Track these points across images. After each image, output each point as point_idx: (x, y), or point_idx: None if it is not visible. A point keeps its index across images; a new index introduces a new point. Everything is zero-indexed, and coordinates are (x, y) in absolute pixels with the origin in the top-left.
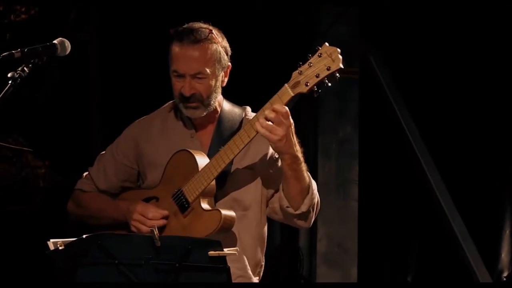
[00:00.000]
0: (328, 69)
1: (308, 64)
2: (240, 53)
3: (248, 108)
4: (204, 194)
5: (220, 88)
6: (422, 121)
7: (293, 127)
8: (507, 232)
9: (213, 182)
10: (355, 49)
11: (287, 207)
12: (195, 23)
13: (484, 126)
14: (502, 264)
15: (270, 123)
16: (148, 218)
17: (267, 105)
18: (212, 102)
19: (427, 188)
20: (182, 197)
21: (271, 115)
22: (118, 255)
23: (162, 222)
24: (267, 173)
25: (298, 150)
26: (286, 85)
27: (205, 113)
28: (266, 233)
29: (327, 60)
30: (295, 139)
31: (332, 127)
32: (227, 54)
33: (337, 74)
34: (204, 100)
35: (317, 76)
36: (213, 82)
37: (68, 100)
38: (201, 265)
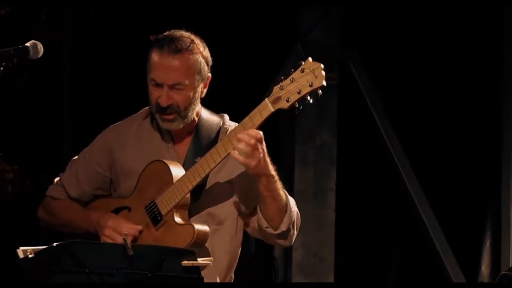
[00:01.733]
0: (310, 86)
1: (290, 79)
2: (218, 58)
3: (226, 116)
4: (178, 207)
5: (199, 99)
6: (401, 129)
7: (265, 148)
8: (487, 244)
9: (188, 195)
10: (334, 54)
11: (267, 227)
12: (177, 31)
13: (467, 135)
14: (482, 277)
15: (244, 147)
16: (121, 234)
17: (246, 120)
18: (189, 114)
19: (406, 197)
20: (155, 209)
21: (246, 139)
22: (90, 264)
23: (133, 237)
24: (245, 189)
25: (272, 169)
26: (266, 99)
27: (182, 125)
28: (240, 250)
29: (310, 76)
30: (268, 159)
31: (310, 134)
32: (207, 65)
33: (320, 91)
34: (181, 112)
35: (298, 92)
36: (191, 94)
37: (40, 103)
38: (174, 275)
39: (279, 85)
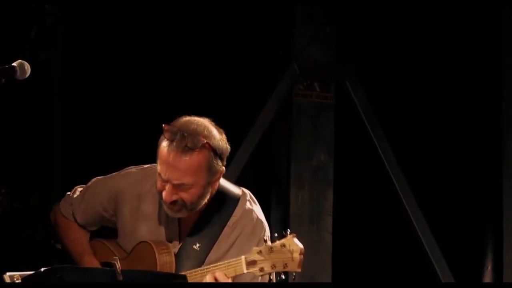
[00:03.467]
0: (285, 267)
1: (270, 249)
2: (212, 75)
3: (248, 195)
4: None
5: (210, 192)
6: (400, 149)
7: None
8: (489, 267)
9: None
10: (331, 72)
11: None
12: (192, 119)
13: (465, 154)
14: None
15: None
16: None
17: (223, 265)
18: (197, 207)
19: (406, 220)
20: None
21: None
22: None
23: None
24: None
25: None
26: (243, 258)
27: (187, 214)
28: None
29: (287, 256)
30: None
31: (306, 154)
32: (221, 159)
33: (293, 275)
34: (187, 206)
35: (272, 267)
36: (199, 191)
37: (28, 123)
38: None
39: (259, 248)
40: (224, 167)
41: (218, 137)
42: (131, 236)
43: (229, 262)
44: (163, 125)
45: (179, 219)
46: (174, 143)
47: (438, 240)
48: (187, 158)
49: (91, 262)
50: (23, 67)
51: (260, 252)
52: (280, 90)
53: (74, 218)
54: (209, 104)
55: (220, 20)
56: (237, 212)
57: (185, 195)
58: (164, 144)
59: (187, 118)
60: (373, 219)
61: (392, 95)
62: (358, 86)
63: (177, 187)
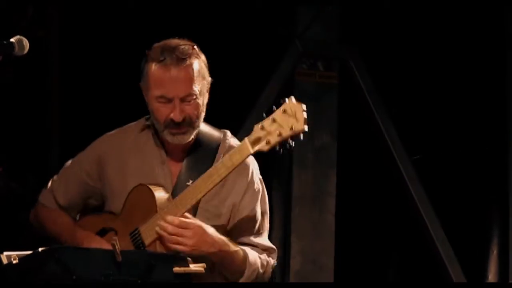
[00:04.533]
0: (291, 129)
1: (272, 119)
2: (213, 55)
3: (228, 133)
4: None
5: (205, 106)
6: (404, 130)
7: (203, 226)
8: (494, 252)
9: None
10: (334, 52)
11: (230, 278)
12: (171, 40)
13: (472, 137)
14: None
15: (166, 235)
16: None
17: (226, 158)
18: (199, 123)
19: (409, 202)
20: (138, 238)
21: (163, 227)
22: (77, 270)
23: None
24: (234, 222)
25: (217, 240)
26: (246, 139)
27: (192, 137)
28: None
29: (290, 120)
30: (209, 236)
31: (308, 135)
32: (207, 68)
33: (301, 135)
34: (193, 123)
35: (279, 135)
36: (201, 101)
37: (25, 103)
38: (165, 282)
39: (260, 124)
40: (210, 78)
41: (199, 49)
42: (122, 194)
43: (233, 150)
44: (147, 51)
45: (169, 164)
46: (166, 60)
47: (442, 222)
48: (184, 68)
49: (85, 235)
50: (21, 42)
51: (262, 128)
52: (282, 70)
53: (56, 201)
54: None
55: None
56: (222, 146)
57: (190, 109)
58: (155, 68)
59: (162, 41)
60: (376, 201)
61: (396, 74)
62: (362, 66)
63: (182, 102)
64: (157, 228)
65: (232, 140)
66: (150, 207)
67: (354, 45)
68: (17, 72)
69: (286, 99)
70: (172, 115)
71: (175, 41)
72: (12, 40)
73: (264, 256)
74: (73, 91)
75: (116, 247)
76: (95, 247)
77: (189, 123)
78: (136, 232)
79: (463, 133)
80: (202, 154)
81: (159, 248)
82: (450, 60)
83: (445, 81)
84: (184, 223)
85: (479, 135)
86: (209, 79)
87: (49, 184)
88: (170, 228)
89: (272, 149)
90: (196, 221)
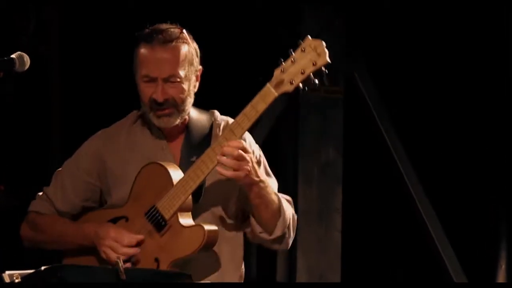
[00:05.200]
0: (314, 64)
1: (291, 61)
2: (219, 69)
3: (217, 112)
4: (181, 210)
5: (193, 92)
6: (411, 145)
7: (252, 155)
8: (503, 267)
9: (190, 197)
10: (340, 65)
11: (260, 232)
12: (162, 24)
13: (478, 150)
14: None
15: (229, 161)
16: (124, 244)
17: (248, 108)
18: (186, 108)
19: (417, 217)
20: (157, 215)
21: (229, 151)
22: None
23: (135, 250)
24: (241, 192)
25: (262, 174)
26: (268, 84)
27: (178, 120)
28: (243, 250)
29: (312, 55)
30: (257, 167)
31: (314, 150)
32: (197, 56)
33: (325, 70)
34: (178, 106)
35: (302, 73)
36: (186, 86)
37: (26, 118)
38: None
39: (280, 68)
40: (201, 67)
41: (191, 36)
42: (126, 183)
43: (255, 99)
44: (136, 33)
45: (169, 147)
46: (154, 41)
47: (450, 238)
48: (169, 48)
49: (96, 226)
50: (22, 59)
51: (283, 71)
52: None
53: (55, 207)
54: (213, 97)
55: (227, 11)
56: (215, 124)
57: (174, 91)
58: (142, 49)
59: (153, 26)
60: (383, 217)
61: (402, 89)
62: (367, 79)
63: (166, 82)
64: (219, 156)
65: (224, 117)
66: (165, 182)
67: (360, 59)
68: (18, 88)
69: (302, 41)
70: (154, 95)
71: (165, 25)
72: (13, 56)
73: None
74: (74, 106)
75: (120, 264)
76: (116, 239)
77: (173, 105)
78: (153, 209)
79: (471, 144)
80: (198, 134)
81: (181, 220)
82: (459, 73)
83: (453, 93)
84: (244, 147)
85: (486, 136)
86: (199, 67)
87: (42, 193)
88: (236, 152)
89: (297, 90)
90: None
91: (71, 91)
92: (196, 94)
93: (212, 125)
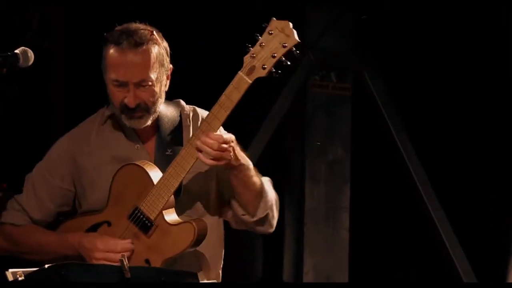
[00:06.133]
0: (284, 46)
1: (260, 45)
2: (223, 70)
3: (182, 102)
4: (165, 208)
5: (164, 93)
6: (420, 143)
7: (234, 142)
8: None
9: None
10: (348, 62)
11: (243, 215)
12: (131, 23)
13: (491, 147)
14: None
15: (210, 151)
16: (117, 251)
17: (223, 98)
18: (157, 109)
19: (426, 216)
20: (141, 216)
21: (209, 144)
22: None
23: (129, 254)
24: (221, 177)
25: (243, 157)
26: (240, 72)
27: (150, 121)
28: (223, 243)
29: (280, 36)
30: (238, 150)
31: (321, 149)
32: (168, 55)
33: (296, 50)
34: (149, 108)
35: (273, 56)
36: (158, 88)
37: (29, 116)
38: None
39: (249, 54)
40: (171, 65)
41: (160, 35)
42: (103, 186)
43: (228, 90)
44: (104, 34)
45: (143, 145)
46: (123, 44)
47: (459, 237)
48: (140, 52)
49: (81, 236)
50: (26, 54)
51: (252, 56)
52: (295, 81)
53: (30, 217)
54: (219, 96)
55: (230, 9)
56: (184, 114)
57: (145, 95)
58: (111, 51)
59: (123, 25)
60: (391, 216)
61: (411, 86)
62: (376, 76)
63: (137, 87)
64: (199, 144)
65: (190, 106)
66: (145, 182)
67: (368, 55)
68: (22, 83)
69: (266, 23)
70: (126, 100)
71: (135, 25)
72: (16, 51)
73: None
74: (78, 102)
75: (125, 263)
76: (107, 249)
77: (144, 109)
78: (137, 211)
79: (481, 144)
80: (169, 126)
81: (167, 219)
82: (468, 70)
83: (462, 90)
84: (225, 139)
85: (495, 135)
86: (169, 66)
87: (13, 202)
88: (216, 145)
89: (270, 75)
90: (229, 134)
91: (75, 87)
92: (205, 91)
93: (181, 116)
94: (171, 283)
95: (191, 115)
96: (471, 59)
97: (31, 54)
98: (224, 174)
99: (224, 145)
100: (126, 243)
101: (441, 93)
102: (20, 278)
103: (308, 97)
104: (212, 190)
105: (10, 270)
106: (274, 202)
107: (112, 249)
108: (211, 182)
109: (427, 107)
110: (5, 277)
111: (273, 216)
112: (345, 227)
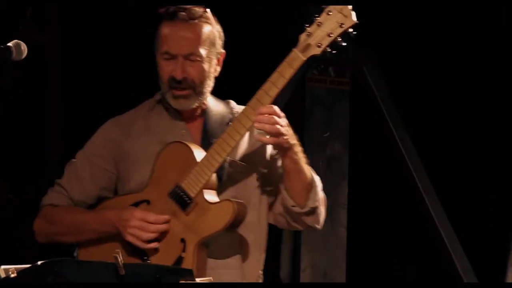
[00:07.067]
0: (341, 26)
1: (317, 24)
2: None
3: (233, 103)
4: (207, 187)
5: (213, 76)
6: (420, 139)
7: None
8: None
9: (214, 175)
10: (346, 57)
11: (293, 206)
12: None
13: (491, 145)
14: None
15: (269, 127)
16: (150, 222)
17: (275, 75)
18: (204, 91)
19: (425, 213)
20: (181, 193)
21: (265, 119)
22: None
23: (165, 226)
24: (267, 171)
25: (295, 138)
26: (294, 49)
27: (196, 104)
28: (267, 236)
29: (338, 16)
30: (290, 129)
31: (319, 144)
32: (221, 39)
33: (352, 31)
34: (196, 87)
35: (329, 36)
36: (206, 67)
37: (23, 110)
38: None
39: (305, 33)
40: (224, 51)
41: (215, 19)
42: (146, 166)
43: (282, 66)
44: (160, 9)
45: (188, 129)
46: (176, 19)
47: (459, 236)
48: (192, 26)
49: (120, 211)
50: (19, 47)
51: (309, 34)
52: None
53: (71, 198)
54: (217, 89)
55: (230, 9)
56: (235, 111)
57: (193, 71)
58: (165, 25)
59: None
60: (390, 213)
61: (411, 81)
62: (375, 71)
63: (185, 60)
64: (257, 124)
65: (241, 106)
66: (188, 160)
67: (367, 50)
68: (15, 77)
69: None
70: (173, 72)
71: (188, 5)
72: (9, 44)
73: None
74: (73, 97)
75: (119, 259)
76: (141, 218)
77: (191, 86)
78: (177, 188)
79: (482, 142)
80: (218, 120)
81: (207, 197)
82: (470, 66)
83: (463, 86)
84: (277, 112)
85: (495, 132)
86: (221, 50)
87: (54, 186)
88: (273, 119)
89: (324, 53)
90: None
91: (70, 81)
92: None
93: (232, 114)
94: (171, 283)
95: (238, 111)
96: (471, 55)
97: (24, 47)
98: (268, 167)
99: (277, 119)
100: (159, 216)
101: (441, 89)
102: (12, 275)
103: (306, 91)
104: (257, 180)
105: (2, 266)
106: (323, 198)
107: (146, 218)
108: (256, 171)
109: (427, 103)
110: None
111: (321, 211)
112: (343, 224)
